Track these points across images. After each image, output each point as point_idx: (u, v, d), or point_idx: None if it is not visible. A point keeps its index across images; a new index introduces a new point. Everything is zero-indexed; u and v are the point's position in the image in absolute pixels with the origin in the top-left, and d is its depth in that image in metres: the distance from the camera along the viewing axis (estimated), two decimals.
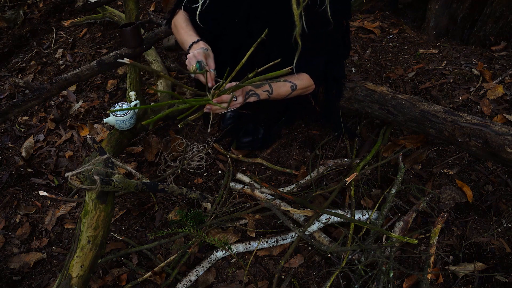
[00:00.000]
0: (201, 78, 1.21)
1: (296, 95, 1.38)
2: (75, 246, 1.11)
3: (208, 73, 1.17)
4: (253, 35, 1.27)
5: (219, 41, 1.33)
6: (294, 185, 1.49)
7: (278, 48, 1.28)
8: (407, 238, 1.14)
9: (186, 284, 1.28)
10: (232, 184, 1.54)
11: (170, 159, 1.71)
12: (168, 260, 1.33)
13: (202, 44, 1.27)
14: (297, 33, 1.20)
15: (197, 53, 1.20)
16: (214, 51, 1.35)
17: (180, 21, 1.39)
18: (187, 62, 1.21)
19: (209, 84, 1.18)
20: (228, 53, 1.35)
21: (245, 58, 1.07)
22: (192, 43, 1.29)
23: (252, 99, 1.28)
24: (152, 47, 2.21)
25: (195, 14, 1.29)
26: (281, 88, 1.33)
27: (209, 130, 1.22)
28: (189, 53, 1.28)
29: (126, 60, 0.85)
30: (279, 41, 1.26)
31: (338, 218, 1.33)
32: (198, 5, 1.28)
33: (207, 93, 1.13)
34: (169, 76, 1.01)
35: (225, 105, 1.17)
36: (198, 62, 1.17)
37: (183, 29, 1.36)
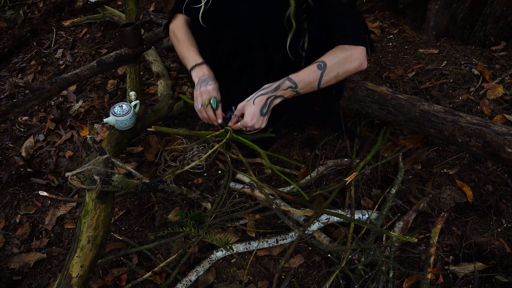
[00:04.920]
0: (210, 112, 1.24)
1: (335, 75, 1.18)
2: (75, 246, 1.11)
3: (218, 109, 1.24)
4: (255, 35, 1.27)
5: (219, 42, 1.33)
6: (293, 185, 1.49)
7: (279, 49, 1.27)
8: (407, 237, 1.14)
9: (186, 284, 1.28)
10: (232, 184, 1.54)
11: (170, 159, 1.71)
12: (168, 260, 1.33)
13: (206, 70, 1.28)
14: (291, 13, 1.13)
15: (212, 89, 1.23)
16: (214, 51, 1.35)
17: (181, 32, 1.37)
18: (198, 94, 1.24)
19: (219, 121, 1.24)
20: (229, 53, 1.35)
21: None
22: (196, 65, 1.29)
23: (275, 103, 1.19)
24: (152, 47, 2.21)
25: (196, 15, 1.28)
26: (305, 74, 1.17)
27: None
28: (191, 72, 1.30)
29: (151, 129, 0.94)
30: (280, 42, 1.25)
31: (338, 218, 1.33)
32: (201, 6, 1.27)
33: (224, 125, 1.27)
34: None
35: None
36: (215, 98, 1.22)
37: (184, 43, 1.35)
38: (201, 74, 1.28)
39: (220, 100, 1.27)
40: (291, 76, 1.18)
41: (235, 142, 1.45)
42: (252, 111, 1.18)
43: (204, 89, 1.23)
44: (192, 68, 1.31)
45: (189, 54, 1.33)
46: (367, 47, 1.21)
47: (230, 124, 1.26)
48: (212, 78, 1.27)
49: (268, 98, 1.18)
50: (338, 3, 1.17)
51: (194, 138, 1.80)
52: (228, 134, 1.24)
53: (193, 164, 1.25)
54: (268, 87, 1.19)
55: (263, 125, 1.22)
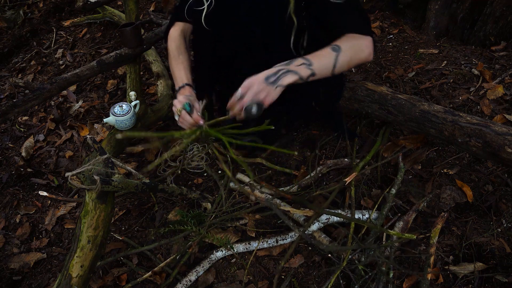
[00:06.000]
0: (187, 118, 1.13)
1: (348, 61, 1.12)
2: (75, 246, 1.11)
3: (193, 113, 1.13)
4: (256, 35, 1.27)
5: (221, 41, 1.33)
6: (293, 185, 1.49)
7: (280, 49, 1.27)
8: (406, 235, 1.14)
9: (186, 284, 1.28)
10: (232, 184, 1.54)
11: (170, 159, 1.71)
12: (168, 260, 1.33)
13: (187, 91, 1.25)
14: (291, 10, 1.12)
15: (183, 98, 1.17)
16: (214, 52, 1.35)
17: (173, 45, 1.35)
18: (173, 108, 1.17)
19: (200, 122, 1.12)
20: (229, 54, 1.35)
21: None
22: (179, 88, 1.27)
23: (288, 79, 1.04)
24: (152, 47, 2.21)
25: (198, 18, 1.28)
26: (321, 54, 1.10)
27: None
28: (176, 95, 1.26)
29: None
30: (281, 41, 1.26)
31: (338, 218, 1.33)
32: (203, 8, 1.26)
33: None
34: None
35: (237, 110, 1.07)
36: (186, 103, 1.13)
37: (174, 58, 1.34)
38: (181, 96, 1.24)
39: (201, 104, 1.18)
40: (305, 56, 1.10)
41: (234, 144, 1.43)
42: (255, 76, 1.03)
43: (176, 101, 1.18)
44: (177, 91, 1.29)
45: (177, 73, 1.31)
46: (374, 39, 1.18)
47: (229, 103, 1.10)
48: (187, 96, 1.20)
49: (279, 69, 1.05)
50: None
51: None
52: (199, 130, 1.12)
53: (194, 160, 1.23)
54: (279, 64, 1.09)
55: (263, 95, 1.02)
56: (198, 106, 1.19)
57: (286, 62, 1.08)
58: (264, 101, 1.04)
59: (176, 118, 1.18)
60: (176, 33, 1.39)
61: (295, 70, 1.05)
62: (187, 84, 1.29)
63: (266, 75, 1.04)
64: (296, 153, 1.45)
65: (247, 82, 1.04)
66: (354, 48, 1.13)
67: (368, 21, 1.21)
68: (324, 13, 1.17)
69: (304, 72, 1.07)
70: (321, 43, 1.25)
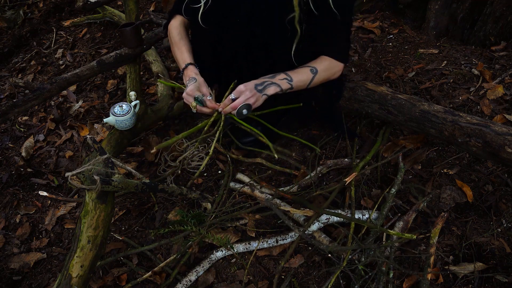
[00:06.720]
0: (204, 110, 1.23)
1: (321, 80, 1.32)
2: (75, 246, 1.11)
3: (207, 100, 1.22)
4: (256, 35, 1.27)
5: (220, 42, 1.33)
6: (293, 185, 1.49)
7: (280, 49, 1.27)
8: (406, 235, 1.14)
9: (186, 284, 1.28)
10: (232, 184, 1.54)
11: (170, 159, 1.71)
12: (168, 260, 1.33)
13: (190, 71, 1.29)
14: (296, 19, 1.18)
15: (190, 90, 1.23)
16: (214, 52, 1.35)
17: (175, 32, 1.39)
18: (185, 101, 1.26)
19: (219, 110, 1.23)
20: (229, 54, 1.35)
21: None
22: (183, 69, 1.32)
23: (271, 90, 1.22)
24: (152, 47, 2.21)
25: (195, 16, 1.28)
26: (300, 73, 1.28)
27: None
28: (182, 78, 1.33)
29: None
30: (281, 42, 1.26)
31: (338, 218, 1.33)
32: (200, 5, 1.26)
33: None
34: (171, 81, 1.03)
35: (229, 109, 1.21)
36: (195, 98, 1.21)
37: (176, 44, 1.37)
38: (187, 78, 1.28)
39: (212, 91, 1.27)
40: (287, 72, 1.27)
41: (234, 144, 1.42)
42: (247, 83, 1.20)
43: (185, 95, 1.24)
44: (182, 73, 1.32)
45: (179, 56, 1.35)
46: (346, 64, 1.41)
47: (222, 104, 1.23)
48: (193, 79, 1.26)
49: (265, 81, 1.23)
50: (341, 13, 1.20)
51: (195, 135, 1.81)
52: (222, 115, 1.23)
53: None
54: (264, 77, 1.25)
55: (253, 100, 1.18)
56: (206, 90, 1.25)
57: (271, 75, 1.25)
58: (253, 105, 1.20)
59: (194, 111, 1.26)
60: (177, 23, 1.42)
61: (278, 83, 1.24)
62: (189, 64, 1.32)
63: (255, 83, 1.21)
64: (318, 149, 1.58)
65: (239, 88, 1.19)
66: (328, 72, 1.33)
67: (348, 48, 1.40)
68: (322, 22, 1.23)
69: (285, 86, 1.25)
70: (319, 45, 1.27)
